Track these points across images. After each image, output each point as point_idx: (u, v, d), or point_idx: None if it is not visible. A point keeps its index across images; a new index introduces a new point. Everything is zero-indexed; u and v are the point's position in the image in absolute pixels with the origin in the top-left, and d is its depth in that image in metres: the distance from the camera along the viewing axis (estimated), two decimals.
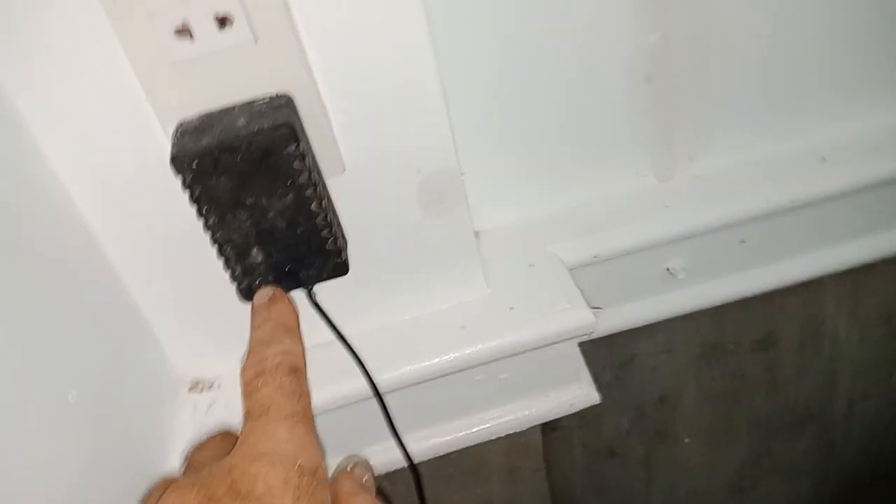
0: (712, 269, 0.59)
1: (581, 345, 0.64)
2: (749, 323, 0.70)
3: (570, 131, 0.54)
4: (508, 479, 0.63)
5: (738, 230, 0.57)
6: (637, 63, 0.52)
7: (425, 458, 0.55)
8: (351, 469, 0.41)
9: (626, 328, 0.61)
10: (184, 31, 0.37)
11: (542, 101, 0.52)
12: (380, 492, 0.42)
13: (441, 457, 0.58)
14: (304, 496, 0.31)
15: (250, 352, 0.38)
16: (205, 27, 0.36)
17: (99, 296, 0.42)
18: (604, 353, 0.68)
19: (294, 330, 0.39)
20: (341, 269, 0.41)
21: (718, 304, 0.61)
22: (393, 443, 0.50)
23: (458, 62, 0.48)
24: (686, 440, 0.79)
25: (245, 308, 0.46)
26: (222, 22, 0.37)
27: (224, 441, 0.41)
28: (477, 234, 0.57)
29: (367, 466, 0.42)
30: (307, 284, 0.40)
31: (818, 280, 0.66)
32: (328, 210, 0.39)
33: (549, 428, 0.74)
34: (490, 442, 0.58)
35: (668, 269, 0.58)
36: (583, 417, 0.75)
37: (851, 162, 0.57)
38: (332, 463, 0.50)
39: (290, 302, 0.40)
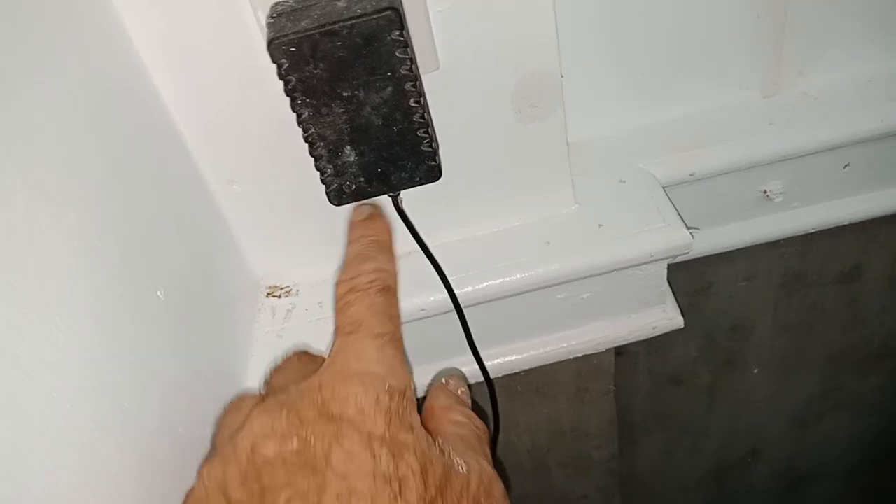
0: (811, 194, 0.55)
1: None
2: (837, 253, 0.66)
3: (672, 38, 0.50)
4: (576, 399, 0.62)
5: (845, 153, 0.53)
6: None
7: (499, 375, 0.54)
8: (446, 382, 0.40)
9: (712, 252, 0.58)
10: None
11: (645, 7, 0.48)
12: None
13: (509, 375, 0.57)
14: (395, 418, 0.30)
15: (345, 266, 0.37)
16: None
17: (183, 194, 0.41)
18: (682, 279, 0.66)
19: (389, 249, 0.38)
20: (435, 173, 0.38)
21: (811, 230, 0.57)
22: (468, 357, 0.48)
23: None
24: (755, 371, 0.77)
25: (329, 217, 0.44)
26: None
27: (302, 361, 0.40)
28: (568, 145, 0.54)
29: (463, 379, 0.41)
30: (399, 188, 0.38)
31: None
32: (425, 108, 0.36)
33: (615, 352, 0.73)
34: (561, 362, 0.57)
35: (764, 192, 0.54)
36: (651, 343, 0.72)
37: None
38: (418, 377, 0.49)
39: (387, 220, 0.40)
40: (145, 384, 0.32)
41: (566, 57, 0.48)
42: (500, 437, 0.66)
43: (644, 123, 0.54)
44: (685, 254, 0.47)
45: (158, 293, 0.35)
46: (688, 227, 0.47)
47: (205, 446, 0.37)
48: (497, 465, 0.65)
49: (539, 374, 0.59)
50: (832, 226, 0.58)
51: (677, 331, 0.70)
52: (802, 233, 0.58)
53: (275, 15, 0.33)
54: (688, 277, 0.66)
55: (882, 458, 0.92)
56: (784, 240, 0.61)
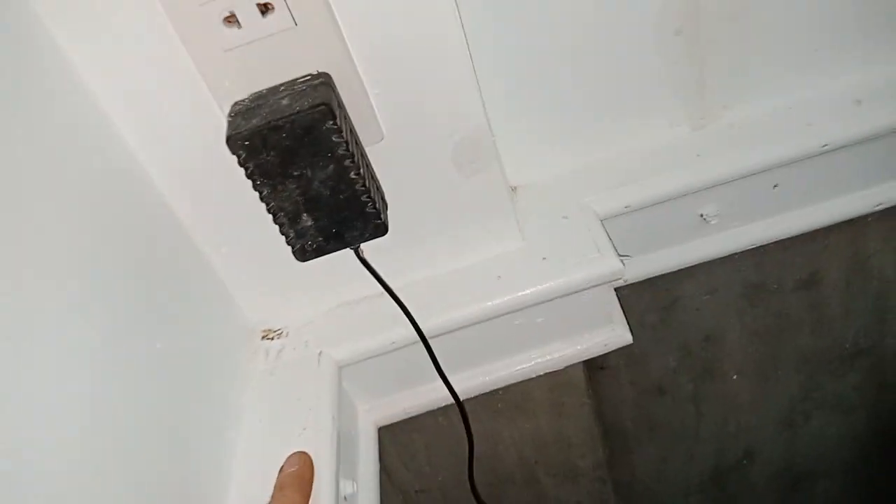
0: (746, 213, 0.61)
1: (623, 289, 0.67)
2: (791, 263, 0.71)
3: (602, 87, 0.57)
4: (554, 413, 0.68)
5: (772, 175, 0.59)
6: (666, 17, 0.53)
7: (473, 395, 0.60)
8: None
9: (662, 272, 0.64)
10: (231, 20, 0.41)
11: (572, 59, 0.55)
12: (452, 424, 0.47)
13: (490, 393, 0.64)
14: None
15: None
16: (249, 15, 0.41)
17: (181, 263, 0.49)
18: (647, 297, 0.71)
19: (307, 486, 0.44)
20: (381, 229, 0.45)
21: (751, 247, 0.63)
22: (439, 382, 0.55)
23: (485, 29, 0.51)
24: (734, 377, 0.82)
25: (306, 268, 0.51)
26: (264, 9, 0.41)
27: None
28: (514, 189, 0.60)
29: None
30: (352, 244, 0.45)
31: (861, 218, 0.67)
32: (367, 177, 0.44)
33: (597, 367, 0.78)
34: (533, 380, 0.63)
35: (701, 216, 0.60)
36: (630, 356, 0.78)
37: (887, 104, 0.57)
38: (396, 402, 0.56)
39: (311, 467, 0.46)
40: (155, 415, 0.40)
41: (506, 110, 0.56)
42: (489, 451, 0.72)
43: (585, 163, 0.60)
44: (618, 279, 0.53)
45: (157, 345, 0.43)
46: (620, 255, 0.53)
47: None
48: (483, 478, 0.72)
49: (516, 392, 0.66)
50: (772, 241, 0.64)
51: (654, 344, 0.76)
52: (743, 249, 0.63)
53: (233, 114, 0.41)
54: (653, 296, 0.72)
55: (873, 454, 0.95)
56: (737, 254, 0.67)
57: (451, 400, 0.60)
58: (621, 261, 0.52)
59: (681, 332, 0.76)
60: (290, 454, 0.47)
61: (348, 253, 0.48)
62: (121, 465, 0.37)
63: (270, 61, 0.43)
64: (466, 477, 0.63)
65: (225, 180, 0.47)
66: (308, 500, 0.44)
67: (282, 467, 0.46)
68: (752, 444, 0.91)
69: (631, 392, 0.82)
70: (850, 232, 0.69)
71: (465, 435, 0.59)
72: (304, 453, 0.47)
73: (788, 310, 0.76)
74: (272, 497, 0.44)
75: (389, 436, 0.67)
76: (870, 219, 0.68)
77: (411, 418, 0.65)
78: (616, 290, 0.66)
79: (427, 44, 0.45)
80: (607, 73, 0.56)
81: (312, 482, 0.45)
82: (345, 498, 0.50)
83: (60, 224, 0.37)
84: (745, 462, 0.94)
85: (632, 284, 0.68)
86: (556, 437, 0.71)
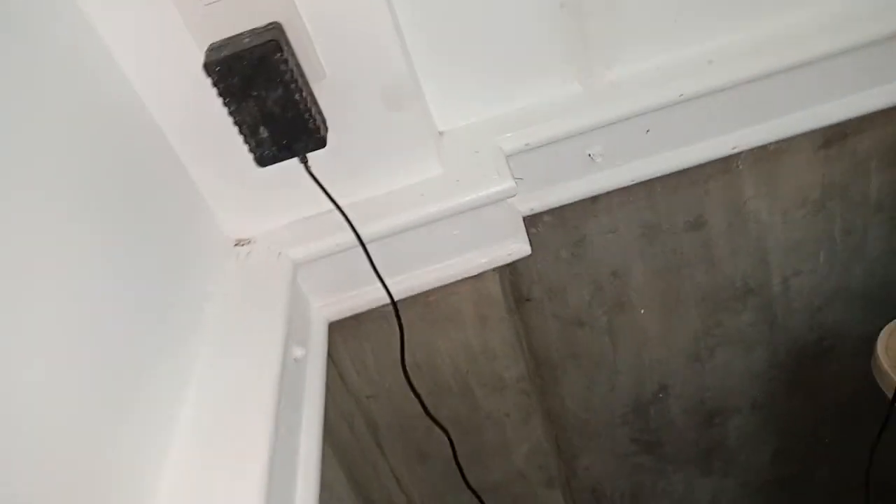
0: (625, 153, 0.76)
1: (537, 226, 0.82)
2: (679, 206, 0.86)
3: (506, 52, 0.72)
4: (479, 325, 0.82)
5: (644, 120, 0.74)
6: None
7: (406, 296, 0.75)
8: None
9: (559, 204, 0.78)
10: None
11: (482, 31, 0.70)
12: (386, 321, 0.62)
13: (425, 304, 0.78)
14: None
15: None
16: None
17: (171, 183, 0.64)
18: (559, 234, 0.86)
19: None
20: (321, 142, 0.60)
21: (631, 183, 0.78)
22: (378, 284, 0.70)
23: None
24: (642, 311, 0.96)
25: (271, 186, 0.66)
26: None
27: None
28: (441, 133, 0.75)
29: None
30: (301, 153, 0.60)
31: (733, 166, 0.82)
32: (308, 101, 0.59)
33: (524, 299, 0.93)
34: (458, 292, 0.78)
35: (589, 155, 0.75)
36: (550, 289, 0.93)
37: (733, 63, 0.72)
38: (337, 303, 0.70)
39: None
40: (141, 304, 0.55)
41: (435, 67, 0.71)
42: (428, 361, 0.86)
43: (497, 113, 0.75)
44: (512, 196, 0.68)
45: (150, 248, 0.58)
46: (515, 178, 0.68)
47: None
48: (424, 387, 0.85)
49: (446, 304, 0.80)
50: (645, 179, 0.78)
51: (570, 277, 0.91)
52: (623, 186, 0.78)
53: (209, 50, 0.56)
54: (564, 232, 0.86)
55: (778, 391, 1.09)
56: (632, 196, 0.82)
57: (389, 300, 0.74)
58: (515, 182, 0.67)
59: (591, 268, 0.90)
60: None
61: (304, 175, 0.62)
62: (113, 334, 0.51)
63: (238, 13, 0.58)
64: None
65: (204, 102, 0.62)
66: None
67: None
68: (665, 377, 1.05)
69: (554, 324, 0.96)
70: (724, 179, 0.84)
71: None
72: None
73: (682, 248, 0.90)
74: None
75: (342, 342, 0.82)
76: (740, 166, 0.83)
77: (361, 326, 0.79)
78: (531, 226, 0.81)
79: (356, 3, 0.60)
80: (511, 40, 0.71)
81: None
82: (295, 359, 0.65)
83: (60, 138, 0.52)
84: (661, 396, 1.07)
85: (545, 222, 0.83)
86: (482, 348, 0.85)
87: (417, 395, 0.80)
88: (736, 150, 0.77)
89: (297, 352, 0.65)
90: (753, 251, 0.92)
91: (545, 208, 0.79)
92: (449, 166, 0.71)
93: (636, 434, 1.13)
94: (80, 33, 0.57)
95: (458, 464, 0.86)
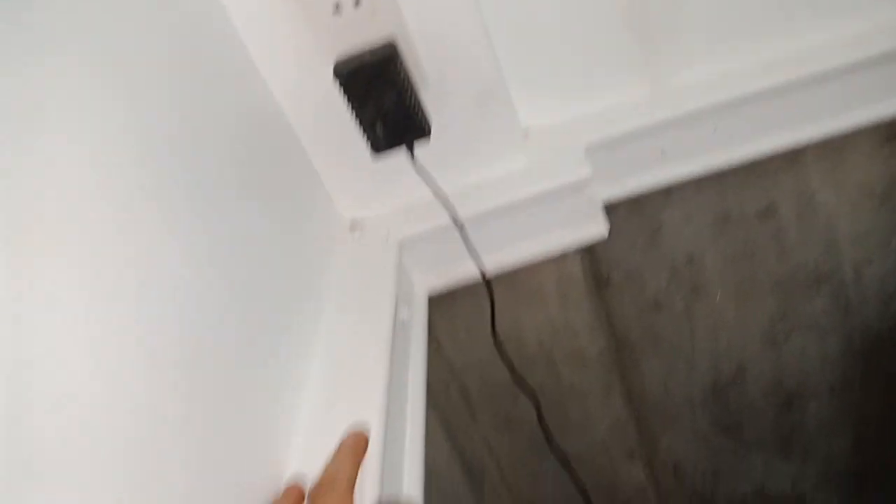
0: (693, 150, 0.84)
1: (618, 213, 0.91)
2: (749, 196, 0.93)
3: (584, 59, 0.82)
4: (561, 303, 0.92)
5: (709, 119, 0.82)
6: (633, 9, 0.78)
7: (496, 274, 0.85)
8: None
9: (634, 194, 0.87)
10: (337, 9, 0.70)
11: (563, 39, 0.80)
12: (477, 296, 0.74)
13: (512, 282, 0.89)
14: None
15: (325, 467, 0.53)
16: (347, 6, 0.69)
17: (299, 176, 0.77)
18: (636, 222, 0.95)
19: (359, 457, 0.54)
20: (425, 136, 0.72)
21: (703, 175, 0.86)
22: (473, 262, 0.81)
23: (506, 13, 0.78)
24: (717, 296, 1.03)
25: (384, 175, 0.79)
26: (357, 3, 0.70)
27: None
28: (526, 129, 0.86)
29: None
30: (406, 143, 0.72)
31: (801, 159, 0.89)
32: (415, 102, 0.71)
33: (604, 282, 1.02)
34: (542, 271, 0.88)
35: (661, 150, 0.84)
36: (628, 275, 1.01)
37: (792, 65, 0.79)
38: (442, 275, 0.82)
39: (365, 440, 0.56)
40: (262, 282, 0.68)
41: (519, 72, 0.82)
42: (515, 336, 0.96)
43: (576, 112, 0.85)
44: (590, 185, 0.78)
45: (276, 227, 0.71)
46: (591, 169, 0.78)
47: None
48: (513, 360, 0.94)
49: (531, 283, 0.90)
50: (714, 172, 0.86)
51: (647, 263, 0.99)
52: (692, 179, 0.86)
53: (338, 62, 0.69)
54: (641, 221, 0.95)
55: (855, 378, 1.13)
56: (705, 187, 0.90)
57: (481, 277, 0.85)
58: (592, 172, 0.77)
59: (668, 254, 0.98)
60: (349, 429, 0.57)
61: (409, 166, 0.75)
62: (262, 297, 0.65)
63: (358, 32, 0.71)
64: (498, 356, 0.89)
65: (334, 105, 0.75)
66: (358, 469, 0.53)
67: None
68: (744, 360, 1.11)
69: (633, 307, 1.04)
70: (792, 171, 0.91)
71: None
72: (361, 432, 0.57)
73: (754, 237, 0.97)
74: (332, 457, 0.54)
75: (439, 316, 0.93)
76: (809, 160, 0.90)
77: (456, 302, 0.91)
78: (609, 214, 0.90)
79: (456, 21, 0.72)
80: (589, 48, 0.81)
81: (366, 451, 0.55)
82: (402, 321, 0.77)
83: (222, 139, 0.66)
84: (739, 380, 1.13)
85: (622, 211, 0.92)
86: (564, 325, 0.95)
87: (509, 363, 0.90)
88: (801, 145, 0.84)
89: (404, 313, 0.77)
90: (824, 240, 0.97)
91: (621, 198, 0.88)
92: (533, 158, 0.81)
93: (716, 416, 1.19)
94: (234, 50, 0.71)
95: (543, 428, 0.96)
